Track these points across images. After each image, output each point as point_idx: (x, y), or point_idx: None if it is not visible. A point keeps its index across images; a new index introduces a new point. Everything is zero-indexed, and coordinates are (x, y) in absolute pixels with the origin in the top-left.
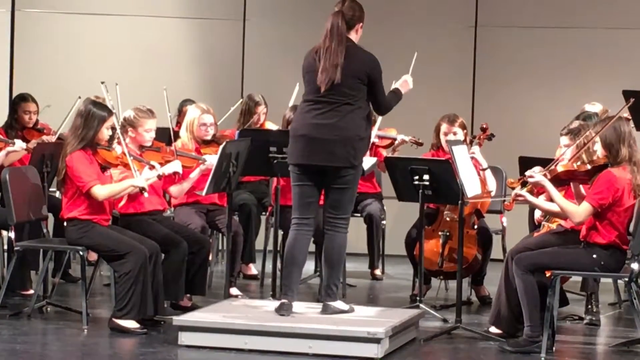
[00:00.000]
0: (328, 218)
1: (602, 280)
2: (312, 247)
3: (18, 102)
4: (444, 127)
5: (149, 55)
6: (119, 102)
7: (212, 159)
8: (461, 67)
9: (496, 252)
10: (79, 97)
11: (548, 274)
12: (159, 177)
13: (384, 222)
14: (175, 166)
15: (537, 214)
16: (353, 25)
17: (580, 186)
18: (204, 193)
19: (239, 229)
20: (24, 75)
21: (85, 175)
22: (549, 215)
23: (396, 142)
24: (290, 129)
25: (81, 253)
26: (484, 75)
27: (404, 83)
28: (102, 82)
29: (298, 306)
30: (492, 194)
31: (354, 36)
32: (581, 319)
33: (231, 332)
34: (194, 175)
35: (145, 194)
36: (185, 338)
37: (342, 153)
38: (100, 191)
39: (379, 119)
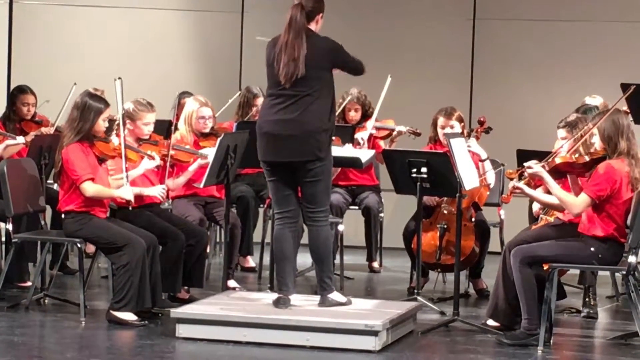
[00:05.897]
0: (307, 213)
1: (600, 273)
2: (306, 240)
3: (16, 94)
4: (441, 120)
5: (147, 47)
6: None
7: (211, 154)
8: (459, 60)
9: (494, 244)
10: (75, 84)
11: (546, 266)
12: (158, 167)
13: (381, 214)
14: (156, 191)
15: (536, 206)
16: (313, 17)
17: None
18: (201, 185)
19: (237, 221)
20: (22, 67)
21: (79, 169)
22: (546, 207)
23: (394, 133)
24: (256, 125)
25: (79, 245)
26: (482, 68)
27: None
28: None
29: (295, 298)
30: (491, 185)
31: (314, 27)
32: (579, 312)
33: (229, 325)
34: (192, 169)
35: (130, 208)
36: (182, 330)
37: (306, 147)
38: (89, 188)
39: (376, 111)
